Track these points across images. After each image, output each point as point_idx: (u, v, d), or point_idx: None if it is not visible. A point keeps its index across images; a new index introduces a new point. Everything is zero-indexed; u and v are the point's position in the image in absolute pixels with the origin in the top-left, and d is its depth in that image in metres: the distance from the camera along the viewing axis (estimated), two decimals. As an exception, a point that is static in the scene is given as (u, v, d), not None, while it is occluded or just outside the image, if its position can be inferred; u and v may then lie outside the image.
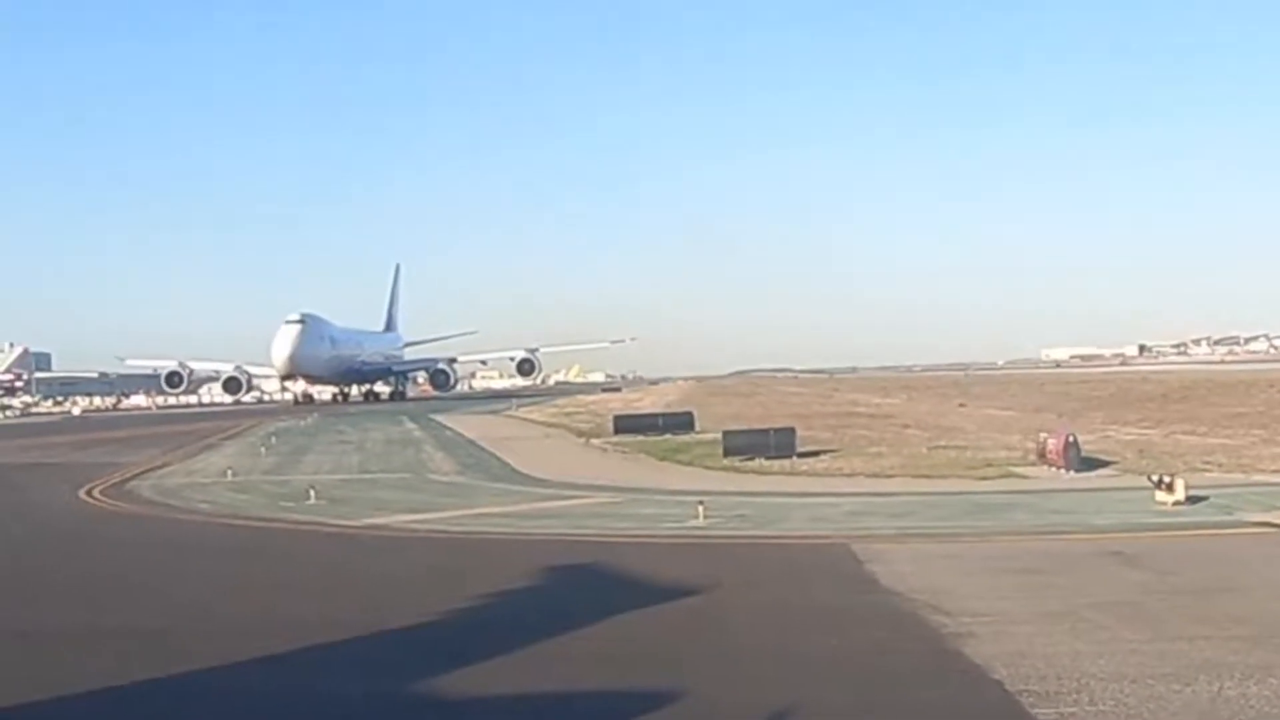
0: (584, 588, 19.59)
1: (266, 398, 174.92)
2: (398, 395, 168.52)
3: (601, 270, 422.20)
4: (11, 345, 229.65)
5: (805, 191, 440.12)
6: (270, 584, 20.77)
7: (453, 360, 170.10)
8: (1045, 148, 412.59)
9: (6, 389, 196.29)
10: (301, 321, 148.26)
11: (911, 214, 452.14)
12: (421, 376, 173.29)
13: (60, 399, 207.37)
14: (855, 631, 15.60)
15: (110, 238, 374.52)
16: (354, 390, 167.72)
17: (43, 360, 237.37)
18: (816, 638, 15.35)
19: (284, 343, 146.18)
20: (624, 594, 18.37)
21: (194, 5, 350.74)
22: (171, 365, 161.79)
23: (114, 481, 40.41)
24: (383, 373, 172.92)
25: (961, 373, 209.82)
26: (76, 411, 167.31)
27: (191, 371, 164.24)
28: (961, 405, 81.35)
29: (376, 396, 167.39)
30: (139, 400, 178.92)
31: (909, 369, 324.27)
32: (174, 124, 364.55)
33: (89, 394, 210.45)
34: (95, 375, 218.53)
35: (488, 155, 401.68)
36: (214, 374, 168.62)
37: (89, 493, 36.98)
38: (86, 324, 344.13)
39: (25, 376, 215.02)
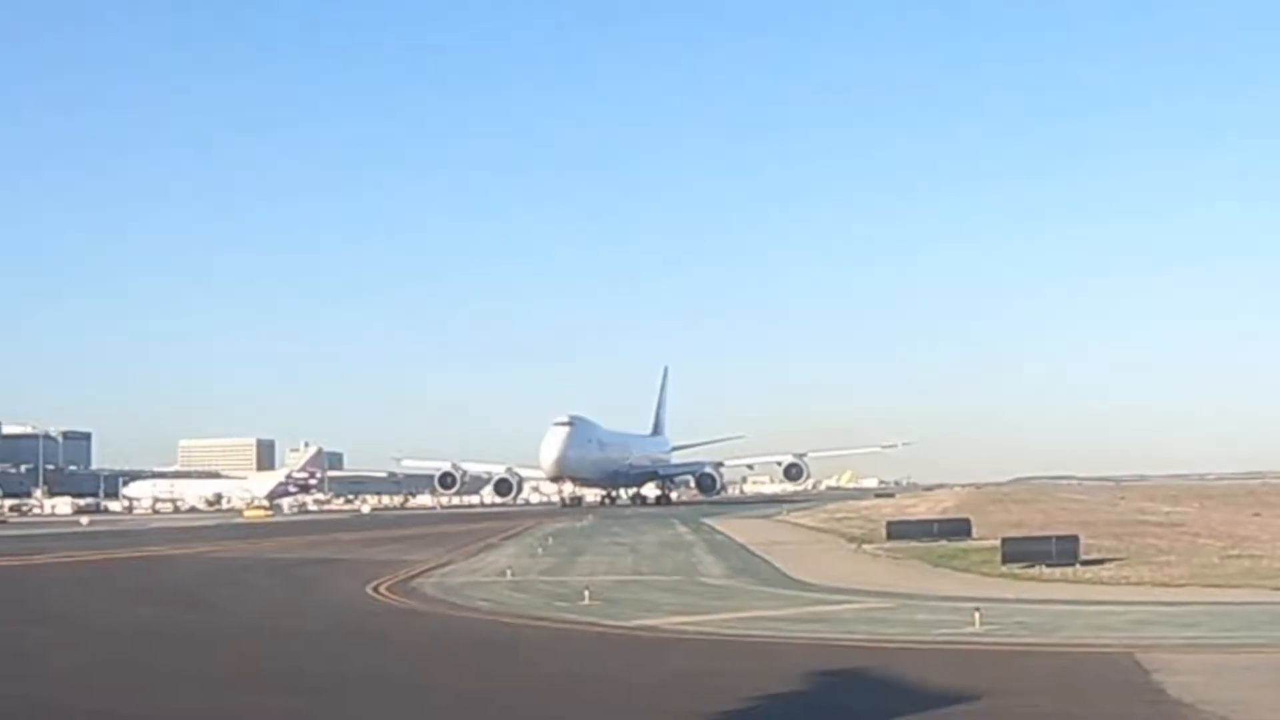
0: (854, 692, 19.34)
1: (537, 499, 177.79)
2: (664, 499, 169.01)
3: (874, 374, 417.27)
4: (307, 444, 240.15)
5: (1087, 297, 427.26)
6: (537, 682, 21.10)
7: (719, 465, 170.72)
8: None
9: (301, 486, 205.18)
10: (570, 424, 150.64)
11: (1202, 320, 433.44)
12: (691, 480, 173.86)
13: (351, 497, 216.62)
14: (1140, 744, 14.98)
15: (398, 345, 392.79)
16: (621, 493, 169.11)
17: (335, 460, 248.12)
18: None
19: (552, 445, 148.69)
20: (896, 699, 18.04)
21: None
22: (445, 466, 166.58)
23: (400, 578, 41.74)
24: (649, 475, 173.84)
25: (1258, 481, 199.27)
26: (366, 509, 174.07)
27: (464, 473, 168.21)
28: (1257, 515, 77.17)
29: (643, 499, 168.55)
30: (425, 500, 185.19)
31: (1201, 477, 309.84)
32: (439, 238, 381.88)
33: (378, 493, 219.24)
34: (384, 475, 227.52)
35: (755, 257, 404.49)
36: (486, 475, 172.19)
37: (376, 589, 38.32)
38: (375, 425, 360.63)
39: (319, 475, 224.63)
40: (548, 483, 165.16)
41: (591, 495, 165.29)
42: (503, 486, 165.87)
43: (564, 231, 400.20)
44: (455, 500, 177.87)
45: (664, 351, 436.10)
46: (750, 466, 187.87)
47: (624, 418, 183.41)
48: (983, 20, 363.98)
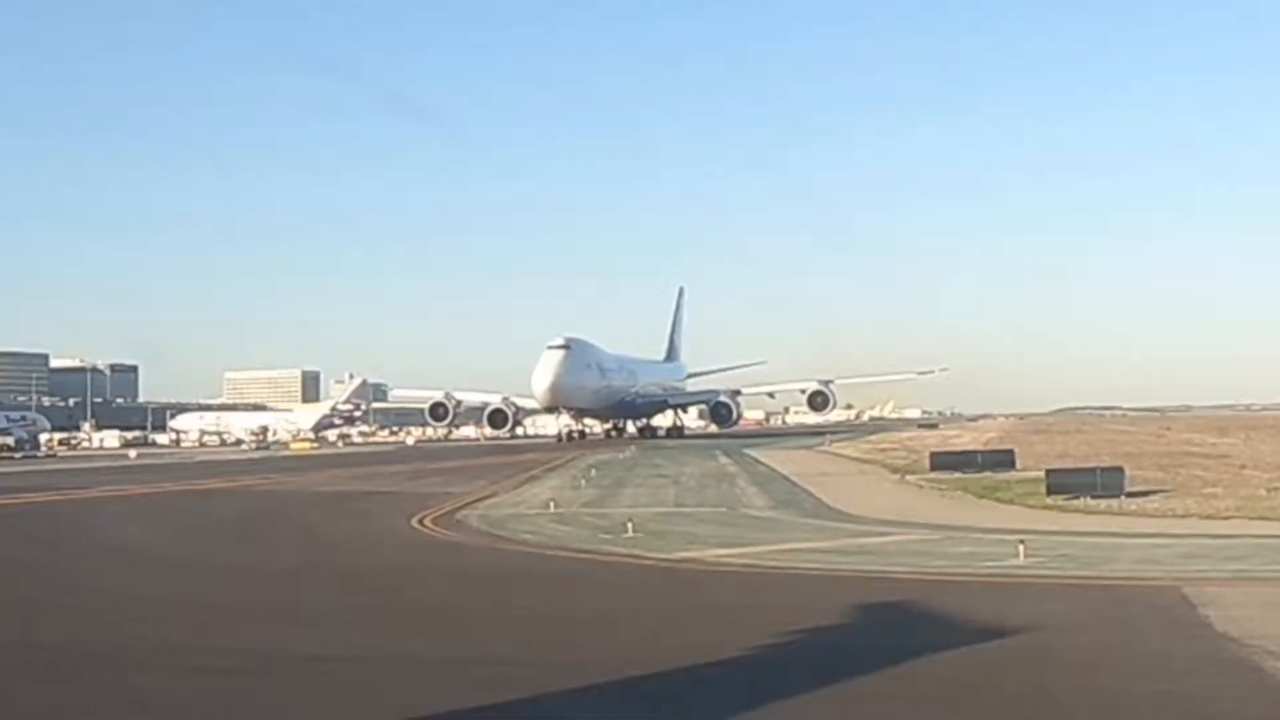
0: (896, 625, 19.33)
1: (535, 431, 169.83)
2: (675, 431, 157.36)
3: (912, 298, 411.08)
4: (351, 376, 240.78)
5: (1134, 219, 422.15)
6: (579, 616, 21.18)
7: (736, 393, 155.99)
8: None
9: (346, 418, 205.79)
10: (566, 347, 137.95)
11: (1249, 251, 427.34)
12: (705, 409, 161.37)
13: (395, 429, 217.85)
14: (1187, 677, 14.93)
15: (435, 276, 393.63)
16: (629, 425, 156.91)
17: (380, 392, 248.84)
18: (1146, 682, 14.77)
19: (546, 371, 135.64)
20: (939, 633, 18.01)
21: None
22: (437, 396, 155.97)
23: (445, 511, 41.94)
24: (659, 405, 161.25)
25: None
26: (410, 441, 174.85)
27: (458, 403, 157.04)
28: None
29: (654, 432, 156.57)
30: (469, 431, 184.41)
31: (1248, 408, 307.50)
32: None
33: (422, 425, 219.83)
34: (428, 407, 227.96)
35: (776, 170, 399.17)
36: (483, 405, 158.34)
37: (421, 521, 38.54)
38: (419, 357, 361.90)
39: (364, 406, 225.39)
40: (550, 414, 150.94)
41: (596, 427, 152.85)
42: (498, 418, 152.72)
43: (572, 137, 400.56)
44: (504, 433, 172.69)
45: (680, 269, 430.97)
46: (771, 395, 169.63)
47: (638, 345, 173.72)
48: None
